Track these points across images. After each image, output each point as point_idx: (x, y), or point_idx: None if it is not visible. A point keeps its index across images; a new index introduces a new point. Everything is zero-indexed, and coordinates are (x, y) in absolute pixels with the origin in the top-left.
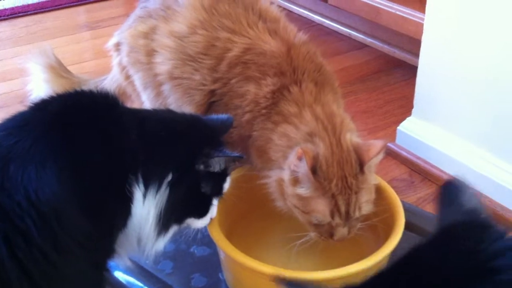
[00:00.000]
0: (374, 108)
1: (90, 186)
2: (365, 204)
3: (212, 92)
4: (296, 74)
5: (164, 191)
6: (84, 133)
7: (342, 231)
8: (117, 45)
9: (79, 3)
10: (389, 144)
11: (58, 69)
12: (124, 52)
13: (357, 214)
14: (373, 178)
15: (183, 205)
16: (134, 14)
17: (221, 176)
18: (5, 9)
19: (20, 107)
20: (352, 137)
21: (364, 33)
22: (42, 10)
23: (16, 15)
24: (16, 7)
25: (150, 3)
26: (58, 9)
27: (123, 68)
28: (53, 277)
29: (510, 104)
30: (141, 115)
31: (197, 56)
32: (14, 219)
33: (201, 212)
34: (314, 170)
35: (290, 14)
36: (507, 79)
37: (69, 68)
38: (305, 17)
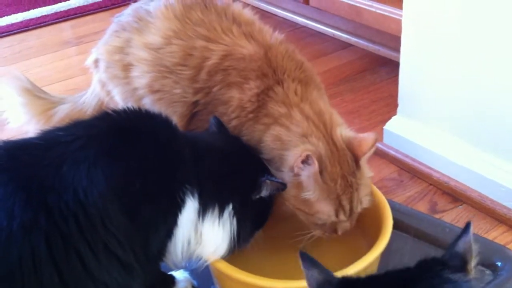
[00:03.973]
0: (360, 108)
1: (138, 190)
2: (365, 197)
3: (195, 103)
4: (277, 74)
5: (228, 219)
6: (139, 140)
7: (345, 226)
8: (96, 62)
9: (62, 19)
10: (377, 144)
11: (33, 91)
12: (102, 68)
13: (359, 209)
14: (368, 171)
15: (247, 229)
16: (110, 28)
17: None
18: None
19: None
20: (342, 132)
21: (347, 32)
22: (26, 28)
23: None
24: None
25: (123, 16)
26: (42, 26)
27: (103, 85)
28: (82, 279)
29: (493, 97)
30: (191, 135)
31: (175, 68)
32: (57, 220)
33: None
34: (320, 172)
35: (273, 17)
36: (488, 72)
37: (54, 85)
38: (289, 20)
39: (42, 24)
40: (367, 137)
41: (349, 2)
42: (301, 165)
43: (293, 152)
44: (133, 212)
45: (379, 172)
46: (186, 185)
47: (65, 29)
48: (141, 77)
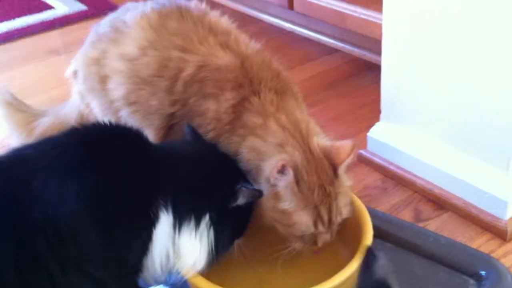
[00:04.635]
0: (345, 114)
1: (110, 205)
2: (345, 207)
3: (172, 115)
4: (253, 84)
5: (205, 229)
6: (109, 155)
7: (325, 237)
8: (74, 73)
9: (49, 28)
10: (360, 151)
11: (14, 104)
12: (80, 80)
13: (339, 219)
14: (347, 179)
15: (226, 239)
16: (87, 39)
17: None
18: None
19: None
20: (319, 141)
21: (334, 37)
22: (11, 39)
23: None
24: None
25: (100, 27)
26: (28, 36)
27: (82, 97)
28: None
29: (477, 102)
30: (163, 146)
31: (151, 79)
32: (26, 237)
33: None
34: (297, 182)
35: (260, 22)
36: (472, 77)
37: (40, 96)
38: (275, 26)
39: (28, 34)
40: (345, 145)
41: (333, 7)
42: (277, 175)
43: (269, 163)
44: (105, 228)
45: (363, 179)
46: (159, 198)
47: (51, 38)
48: (117, 89)
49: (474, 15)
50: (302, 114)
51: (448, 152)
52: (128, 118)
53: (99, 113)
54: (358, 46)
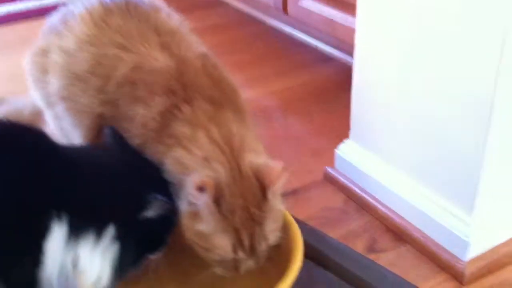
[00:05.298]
0: (324, 127)
1: None
2: (271, 233)
3: (101, 116)
4: (187, 91)
5: (109, 242)
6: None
7: (248, 264)
8: (27, 64)
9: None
10: (327, 169)
11: None
12: (28, 70)
13: (263, 246)
14: (278, 203)
15: (134, 254)
16: (42, 29)
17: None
18: None
19: None
20: (252, 159)
21: (329, 45)
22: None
23: None
24: None
25: (54, 17)
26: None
27: (30, 87)
28: None
29: (441, 133)
30: (71, 149)
31: (84, 76)
32: None
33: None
34: (217, 202)
35: (260, 24)
36: (437, 105)
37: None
38: (276, 29)
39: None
40: (275, 166)
41: (324, 14)
42: (196, 193)
43: (190, 178)
44: None
45: (325, 199)
46: (51, 207)
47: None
48: (52, 83)
49: (450, 48)
50: (240, 128)
51: (412, 183)
52: (62, 114)
53: (42, 105)
54: (351, 56)
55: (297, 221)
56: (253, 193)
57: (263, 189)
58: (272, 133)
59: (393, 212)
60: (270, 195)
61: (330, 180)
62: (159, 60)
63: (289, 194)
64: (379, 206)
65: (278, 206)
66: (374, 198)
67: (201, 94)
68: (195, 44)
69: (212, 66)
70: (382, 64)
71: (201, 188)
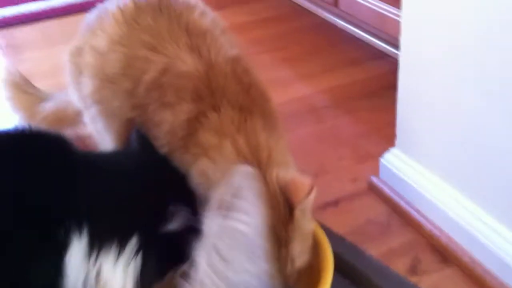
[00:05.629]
0: (373, 131)
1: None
2: (299, 256)
3: (132, 121)
4: (215, 98)
5: (131, 255)
6: (14, 159)
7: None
8: (65, 63)
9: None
10: (372, 178)
11: (21, 85)
12: (66, 70)
13: (290, 268)
14: (308, 222)
15: (158, 267)
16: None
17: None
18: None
19: None
20: (280, 173)
21: (383, 41)
22: (37, 19)
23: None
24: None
25: (92, 14)
26: (54, 18)
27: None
28: None
29: (498, 154)
30: (93, 156)
31: (115, 78)
32: None
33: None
34: None
35: (314, 16)
36: (494, 122)
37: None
38: (328, 21)
39: (54, 16)
40: (304, 182)
41: (374, 8)
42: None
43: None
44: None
45: (367, 212)
46: (72, 218)
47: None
48: (86, 84)
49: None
50: (269, 139)
51: (461, 199)
52: (96, 117)
53: (80, 107)
54: None
55: (336, 235)
56: (279, 212)
57: (290, 207)
58: (319, 133)
59: (440, 230)
60: (297, 214)
61: (375, 191)
62: (188, 63)
63: (331, 204)
64: (425, 223)
65: (306, 226)
66: (419, 213)
67: (230, 100)
68: (227, 47)
69: (243, 71)
70: (429, 68)
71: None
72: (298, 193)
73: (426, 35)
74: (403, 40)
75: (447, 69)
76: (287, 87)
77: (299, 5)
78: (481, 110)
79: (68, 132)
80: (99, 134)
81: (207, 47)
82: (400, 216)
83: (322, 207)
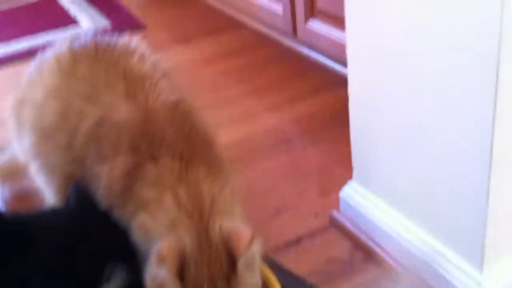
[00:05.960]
0: (336, 161)
1: None
2: None
3: (71, 176)
4: (153, 147)
5: None
6: None
7: None
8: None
9: None
10: (333, 212)
11: None
12: (10, 122)
13: None
14: (252, 275)
15: None
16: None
17: None
18: None
19: None
20: (224, 224)
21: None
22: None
23: None
24: None
25: (34, 62)
26: None
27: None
28: None
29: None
30: (27, 216)
31: (51, 132)
32: None
33: None
34: (181, 275)
35: (281, 46)
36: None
37: None
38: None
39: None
40: (244, 232)
41: (331, 37)
42: (158, 264)
43: (154, 247)
44: None
45: (329, 249)
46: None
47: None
48: (27, 138)
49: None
50: (212, 187)
51: (420, 233)
52: (37, 172)
53: (23, 160)
54: None
55: (297, 278)
56: (220, 264)
57: (233, 261)
58: (283, 166)
59: (403, 266)
60: (240, 267)
61: (337, 225)
62: (123, 111)
63: (293, 243)
64: (387, 259)
65: (250, 280)
66: (381, 247)
67: (169, 149)
68: (167, 91)
69: (183, 116)
70: (377, 99)
71: (162, 259)
72: (239, 245)
73: (371, 66)
74: (350, 72)
75: (393, 99)
76: (254, 119)
77: (263, 36)
78: (434, 138)
79: (20, 186)
80: (42, 189)
81: (145, 94)
82: (363, 252)
83: (284, 246)
